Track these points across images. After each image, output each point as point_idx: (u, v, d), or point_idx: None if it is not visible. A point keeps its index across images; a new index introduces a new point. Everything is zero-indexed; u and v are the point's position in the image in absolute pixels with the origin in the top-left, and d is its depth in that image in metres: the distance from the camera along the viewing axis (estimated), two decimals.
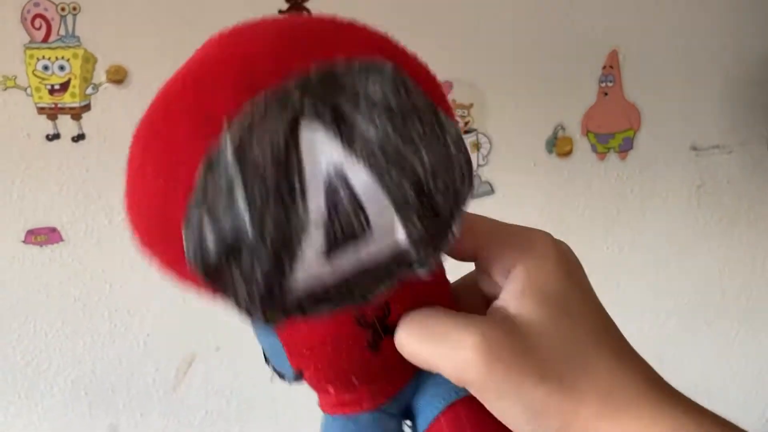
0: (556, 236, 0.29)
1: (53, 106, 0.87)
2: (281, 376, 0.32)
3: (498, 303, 0.28)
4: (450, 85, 0.93)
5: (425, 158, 0.25)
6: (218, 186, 0.23)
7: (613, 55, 0.98)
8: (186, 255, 0.23)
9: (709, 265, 1.06)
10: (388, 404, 0.31)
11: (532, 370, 0.26)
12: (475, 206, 0.31)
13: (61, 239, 0.88)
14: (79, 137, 0.87)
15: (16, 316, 0.88)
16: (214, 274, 0.24)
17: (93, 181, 0.88)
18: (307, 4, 0.86)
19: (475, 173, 0.95)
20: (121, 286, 0.89)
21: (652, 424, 0.25)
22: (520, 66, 0.95)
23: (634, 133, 1.01)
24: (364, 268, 0.25)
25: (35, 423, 0.90)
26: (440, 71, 0.38)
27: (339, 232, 0.24)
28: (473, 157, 0.95)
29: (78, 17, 0.85)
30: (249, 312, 0.25)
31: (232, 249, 0.24)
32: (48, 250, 0.88)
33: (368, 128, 0.24)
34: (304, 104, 0.23)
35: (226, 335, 0.92)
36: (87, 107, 0.87)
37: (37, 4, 0.85)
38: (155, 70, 0.87)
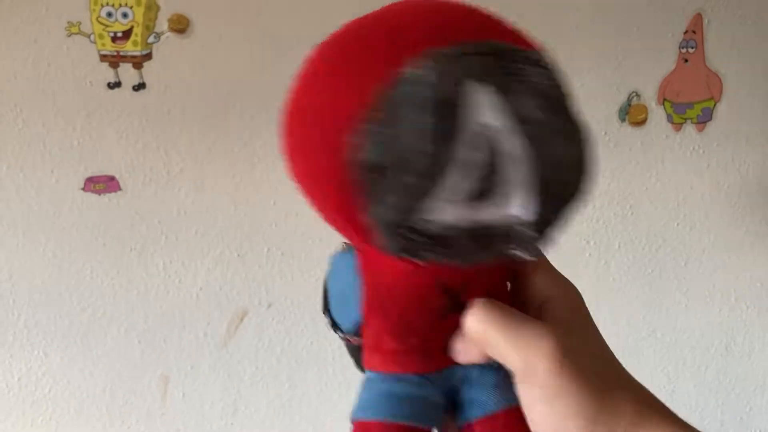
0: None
1: (115, 53, 0.86)
2: (335, 326, 0.33)
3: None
4: None
5: (563, 150, 0.26)
6: (394, 105, 0.26)
7: (697, 19, 0.92)
8: (348, 155, 0.26)
9: None
10: (436, 377, 0.32)
11: (588, 377, 0.29)
12: None
13: (119, 188, 0.88)
14: (139, 86, 0.86)
15: (74, 261, 0.88)
16: (364, 183, 0.26)
17: (152, 130, 0.87)
18: None
19: None
20: (177, 237, 0.89)
21: None
22: (595, 26, 0.90)
23: (715, 104, 0.94)
24: (475, 231, 0.27)
25: (90, 367, 0.91)
26: None
27: (466, 186, 0.26)
28: None
29: None
30: (380, 226, 0.27)
31: (384, 165, 0.26)
32: (106, 198, 0.88)
33: (530, 109, 0.26)
34: (474, 67, 0.26)
35: (278, 293, 0.92)
36: (148, 56, 0.86)
37: None
38: (216, 20, 0.85)
